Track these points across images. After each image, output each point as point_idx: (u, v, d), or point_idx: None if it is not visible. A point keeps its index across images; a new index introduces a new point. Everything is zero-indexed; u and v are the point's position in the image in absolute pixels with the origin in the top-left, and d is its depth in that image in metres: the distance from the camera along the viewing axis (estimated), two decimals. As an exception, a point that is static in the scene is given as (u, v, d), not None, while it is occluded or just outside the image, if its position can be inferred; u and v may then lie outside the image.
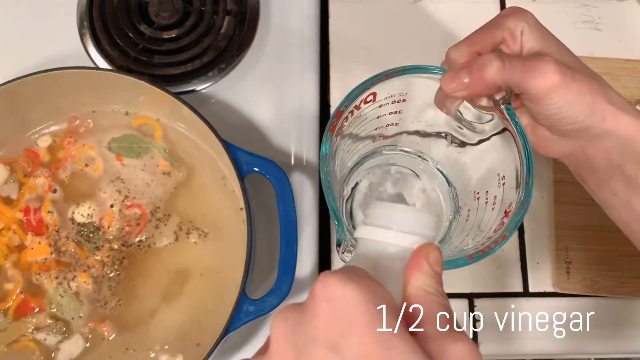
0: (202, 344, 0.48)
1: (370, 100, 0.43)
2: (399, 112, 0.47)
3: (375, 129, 0.48)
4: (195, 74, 0.58)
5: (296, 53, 0.60)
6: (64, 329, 0.50)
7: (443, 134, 0.49)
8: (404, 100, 0.45)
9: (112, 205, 0.52)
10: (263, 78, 0.59)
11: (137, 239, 0.52)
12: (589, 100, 0.37)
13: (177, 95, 0.50)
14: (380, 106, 0.45)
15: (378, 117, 0.46)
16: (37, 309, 0.50)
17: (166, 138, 0.54)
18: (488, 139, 0.44)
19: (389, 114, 0.46)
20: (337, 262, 0.56)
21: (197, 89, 0.58)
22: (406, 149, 0.53)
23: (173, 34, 0.58)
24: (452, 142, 0.49)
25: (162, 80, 0.57)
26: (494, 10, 0.63)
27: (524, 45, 0.39)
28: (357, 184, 0.53)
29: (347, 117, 0.42)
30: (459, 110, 0.41)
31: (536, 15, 0.40)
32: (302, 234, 0.54)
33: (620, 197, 0.40)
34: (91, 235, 0.52)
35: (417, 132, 0.50)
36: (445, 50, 0.41)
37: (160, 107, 0.53)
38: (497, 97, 0.38)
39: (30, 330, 0.50)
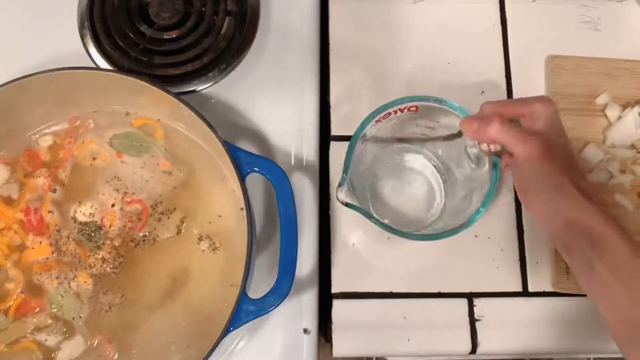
0: (202, 344, 0.48)
1: (413, 110, 0.51)
2: (423, 135, 0.55)
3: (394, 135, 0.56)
4: (195, 74, 0.58)
5: (296, 53, 0.60)
6: (65, 329, 0.50)
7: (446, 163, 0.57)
8: (433, 127, 0.54)
9: (113, 205, 0.52)
10: (263, 78, 0.59)
11: (141, 234, 0.52)
12: (557, 180, 0.45)
13: (177, 95, 0.50)
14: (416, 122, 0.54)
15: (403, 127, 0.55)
16: (37, 309, 0.50)
17: (167, 138, 0.55)
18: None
19: (416, 125, 0.54)
20: (337, 262, 0.56)
21: (198, 89, 0.58)
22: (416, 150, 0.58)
23: (173, 34, 0.58)
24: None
25: (162, 81, 0.57)
26: (494, 10, 0.63)
27: (535, 126, 0.48)
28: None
29: (381, 119, 0.50)
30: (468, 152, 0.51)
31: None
32: (302, 234, 0.55)
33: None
34: (93, 234, 0.52)
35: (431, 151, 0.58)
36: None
37: (161, 107, 0.53)
38: (492, 148, 0.48)
39: (30, 331, 0.50)
